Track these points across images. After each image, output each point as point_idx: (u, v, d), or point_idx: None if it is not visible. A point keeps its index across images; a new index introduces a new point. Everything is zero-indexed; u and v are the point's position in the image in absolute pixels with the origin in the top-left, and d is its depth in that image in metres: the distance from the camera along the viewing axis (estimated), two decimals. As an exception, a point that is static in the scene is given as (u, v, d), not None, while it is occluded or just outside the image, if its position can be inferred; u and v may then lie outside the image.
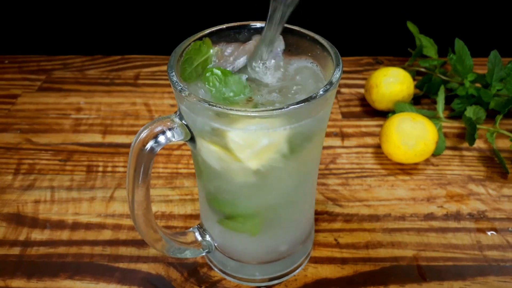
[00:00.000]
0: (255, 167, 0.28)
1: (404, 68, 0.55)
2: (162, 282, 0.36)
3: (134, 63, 0.65)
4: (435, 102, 0.53)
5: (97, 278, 0.36)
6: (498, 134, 0.49)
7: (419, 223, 0.41)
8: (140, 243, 0.39)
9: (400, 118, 0.46)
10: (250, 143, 0.27)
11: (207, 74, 0.28)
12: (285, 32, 0.32)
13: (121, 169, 0.47)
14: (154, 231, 0.31)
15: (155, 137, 0.27)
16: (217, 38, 0.32)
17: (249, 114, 0.25)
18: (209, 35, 0.32)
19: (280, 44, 0.31)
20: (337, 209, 0.42)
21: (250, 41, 0.31)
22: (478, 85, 0.54)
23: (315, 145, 0.31)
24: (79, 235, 0.40)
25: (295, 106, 0.25)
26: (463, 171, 0.47)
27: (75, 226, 0.41)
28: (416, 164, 0.47)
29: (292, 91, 0.28)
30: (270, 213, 0.33)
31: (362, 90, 0.59)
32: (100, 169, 0.47)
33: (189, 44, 0.31)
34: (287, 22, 0.33)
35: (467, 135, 0.48)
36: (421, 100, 0.57)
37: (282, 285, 0.36)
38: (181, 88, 0.27)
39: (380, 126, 0.53)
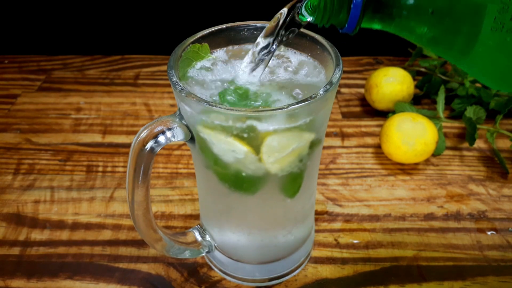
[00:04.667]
0: (274, 171, 0.28)
1: (404, 68, 0.55)
2: (162, 282, 0.36)
3: (134, 63, 0.65)
4: (435, 102, 0.53)
5: (97, 278, 0.36)
6: (498, 134, 0.49)
7: (419, 223, 0.41)
8: (140, 243, 0.39)
9: (400, 118, 0.46)
10: (283, 147, 0.27)
11: (222, 91, 0.28)
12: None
13: (121, 169, 0.47)
14: (154, 231, 0.30)
15: (155, 137, 0.27)
16: (217, 38, 0.32)
17: (249, 115, 0.25)
18: (208, 35, 0.32)
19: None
20: (337, 209, 0.42)
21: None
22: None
23: (317, 145, 0.31)
24: (79, 235, 0.40)
25: (295, 106, 0.25)
26: (463, 171, 0.47)
27: (75, 226, 0.41)
28: (416, 164, 0.47)
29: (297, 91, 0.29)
30: (271, 213, 0.33)
31: (362, 90, 0.59)
32: (100, 169, 0.47)
33: (188, 44, 0.31)
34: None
35: (467, 135, 0.48)
36: (421, 100, 0.57)
37: (282, 285, 0.36)
38: (181, 88, 0.27)
39: (380, 126, 0.53)
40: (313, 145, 0.29)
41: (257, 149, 0.27)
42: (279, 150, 0.27)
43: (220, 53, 0.32)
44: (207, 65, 0.31)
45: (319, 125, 0.29)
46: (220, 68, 0.31)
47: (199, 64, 0.31)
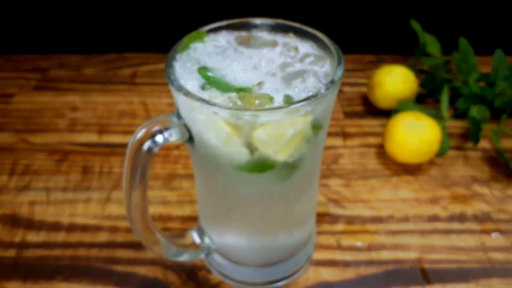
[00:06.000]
0: (282, 159, 0.27)
1: (408, 67, 0.55)
2: (159, 285, 0.35)
3: (131, 62, 0.64)
4: (438, 101, 0.53)
5: (93, 281, 0.36)
6: (503, 133, 0.48)
7: (422, 224, 0.40)
8: (137, 246, 0.38)
9: (404, 117, 0.45)
10: (277, 138, 0.26)
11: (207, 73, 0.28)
12: (287, 30, 0.32)
13: (117, 170, 0.46)
14: (151, 233, 0.30)
15: (153, 137, 0.27)
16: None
17: (248, 114, 0.25)
18: (207, 32, 0.32)
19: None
20: (339, 211, 0.42)
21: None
22: (482, 83, 0.53)
23: (318, 143, 0.30)
24: (75, 237, 0.39)
25: (296, 105, 0.25)
26: (467, 172, 0.46)
27: (71, 228, 0.40)
28: (420, 164, 0.47)
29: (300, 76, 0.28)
30: (271, 214, 0.32)
31: (364, 89, 0.58)
32: (97, 169, 0.46)
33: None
34: (289, 20, 0.32)
35: (471, 134, 0.47)
36: (424, 99, 0.57)
37: (283, 289, 0.35)
38: (179, 87, 0.26)
39: (383, 125, 0.52)
40: (316, 128, 0.28)
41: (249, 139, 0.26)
42: (274, 141, 0.26)
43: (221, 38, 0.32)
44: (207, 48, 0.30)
45: (321, 120, 0.28)
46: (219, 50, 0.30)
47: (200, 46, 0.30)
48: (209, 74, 0.28)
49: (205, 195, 0.34)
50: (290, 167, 0.29)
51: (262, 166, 0.27)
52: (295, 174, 0.30)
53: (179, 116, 0.28)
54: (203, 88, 0.27)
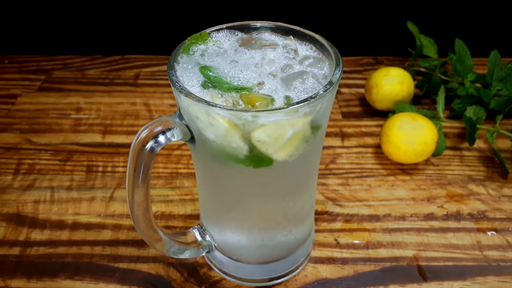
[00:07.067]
0: (282, 158, 0.28)
1: (404, 68, 0.55)
2: (162, 282, 0.36)
3: (134, 63, 0.65)
4: (435, 102, 0.53)
5: (97, 278, 0.36)
6: (498, 134, 0.49)
7: (419, 223, 0.41)
8: (140, 243, 0.39)
9: (400, 118, 0.46)
10: (276, 138, 0.27)
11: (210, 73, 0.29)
12: (286, 32, 0.33)
13: (121, 169, 0.47)
14: (154, 231, 0.30)
15: (155, 137, 0.27)
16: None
17: (248, 114, 0.25)
18: (209, 34, 0.32)
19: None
20: (337, 209, 0.42)
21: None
22: (478, 85, 0.54)
23: (317, 143, 0.31)
24: (79, 235, 0.40)
25: (295, 106, 0.26)
26: (463, 171, 0.47)
27: (75, 226, 0.41)
28: (416, 164, 0.47)
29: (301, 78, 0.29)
30: (271, 212, 0.33)
31: (362, 90, 0.59)
32: (100, 169, 0.47)
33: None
34: (288, 22, 0.33)
35: (467, 135, 0.48)
36: (421, 100, 0.57)
37: (282, 285, 0.36)
38: (181, 88, 0.27)
39: (380, 126, 0.53)
40: (315, 128, 0.29)
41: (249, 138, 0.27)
42: (275, 140, 0.27)
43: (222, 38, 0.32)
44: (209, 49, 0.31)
45: (319, 120, 0.29)
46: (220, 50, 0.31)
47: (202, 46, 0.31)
48: (211, 73, 0.28)
49: (206, 193, 0.34)
50: (289, 166, 0.29)
51: (260, 161, 0.28)
52: (294, 172, 0.30)
53: (181, 117, 0.28)
54: (204, 87, 0.28)
